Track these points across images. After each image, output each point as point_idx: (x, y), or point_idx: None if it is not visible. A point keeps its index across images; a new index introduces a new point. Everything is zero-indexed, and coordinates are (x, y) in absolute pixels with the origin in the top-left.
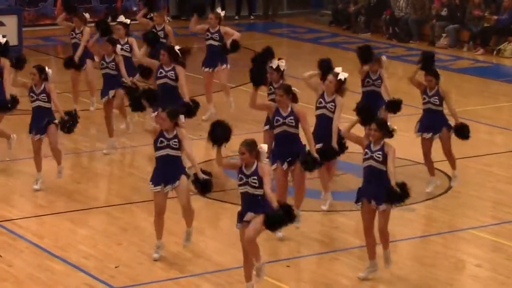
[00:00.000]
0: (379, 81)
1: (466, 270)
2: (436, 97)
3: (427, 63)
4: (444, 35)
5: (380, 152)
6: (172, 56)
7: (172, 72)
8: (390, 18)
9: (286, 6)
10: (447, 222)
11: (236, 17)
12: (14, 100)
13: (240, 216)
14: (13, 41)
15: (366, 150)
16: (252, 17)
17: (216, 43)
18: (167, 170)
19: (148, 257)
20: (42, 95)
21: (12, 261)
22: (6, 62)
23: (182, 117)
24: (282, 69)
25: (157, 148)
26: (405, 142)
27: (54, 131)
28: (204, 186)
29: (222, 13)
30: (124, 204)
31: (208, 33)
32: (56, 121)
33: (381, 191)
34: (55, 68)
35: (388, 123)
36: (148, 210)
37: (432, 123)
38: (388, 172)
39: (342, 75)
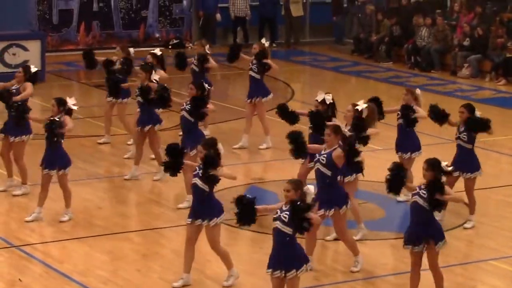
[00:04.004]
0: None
1: None
2: (465, 133)
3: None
4: (466, 65)
5: (425, 190)
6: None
7: (190, 105)
8: (412, 47)
9: (308, 34)
10: (467, 253)
11: None
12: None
13: (270, 261)
14: (36, 66)
15: (417, 187)
16: (274, 45)
17: (253, 74)
18: (194, 203)
19: (168, 283)
20: None
21: (31, 286)
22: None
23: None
24: (328, 103)
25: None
26: None
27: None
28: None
29: (267, 44)
30: (144, 230)
31: (250, 63)
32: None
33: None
34: (78, 93)
35: (442, 164)
36: (168, 236)
37: (461, 160)
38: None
39: (360, 106)
